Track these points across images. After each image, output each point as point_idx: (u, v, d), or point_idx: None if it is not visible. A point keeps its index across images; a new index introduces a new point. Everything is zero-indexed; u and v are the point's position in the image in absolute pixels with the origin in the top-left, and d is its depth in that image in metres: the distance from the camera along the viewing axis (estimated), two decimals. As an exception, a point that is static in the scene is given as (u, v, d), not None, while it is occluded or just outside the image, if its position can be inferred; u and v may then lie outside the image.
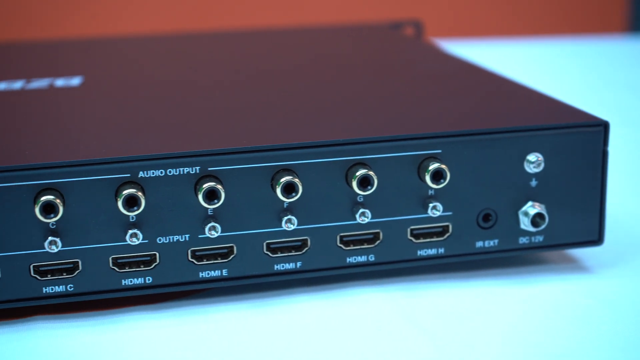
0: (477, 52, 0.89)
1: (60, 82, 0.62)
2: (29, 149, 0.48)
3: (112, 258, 0.48)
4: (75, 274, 0.48)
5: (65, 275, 0.48)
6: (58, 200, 0.46)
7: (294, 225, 0.49)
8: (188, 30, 0.86)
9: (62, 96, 0.59)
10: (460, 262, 0.53)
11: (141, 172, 0.47)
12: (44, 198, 0.46)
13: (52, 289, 0.48)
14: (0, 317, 0.49)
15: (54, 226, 0.47)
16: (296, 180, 0.48)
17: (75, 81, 0.62)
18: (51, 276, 0.48)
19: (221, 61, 0.70)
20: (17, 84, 0.62)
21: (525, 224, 0.51)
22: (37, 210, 0.46)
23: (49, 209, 0.46)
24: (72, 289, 0.48)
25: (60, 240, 0.47)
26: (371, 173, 0.49)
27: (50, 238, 0.47)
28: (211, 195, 0.47)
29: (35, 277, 0.47)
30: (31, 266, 0.47)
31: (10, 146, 0.49)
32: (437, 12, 1.22)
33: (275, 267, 0.50)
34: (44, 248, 0.47)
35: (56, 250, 0.47)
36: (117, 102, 0.58)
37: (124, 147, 0.48)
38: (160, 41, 0.79)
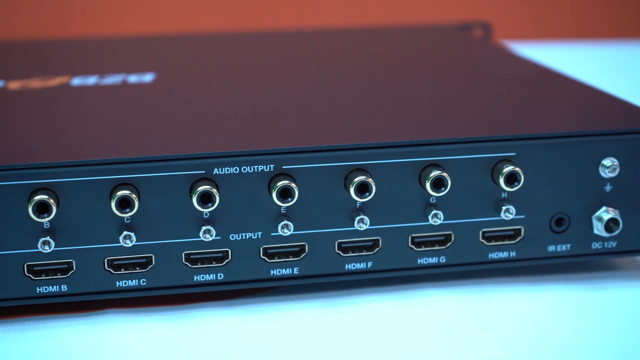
0: (547, 54, 0.88)
1: (133, 79, 0.63)
2: (106, 144, 0.49)
3: (185, 254, 0.48)
4: (148, 268, 0.48)
5: (138, 270, 0.48)
6: (134, 195, 0.46)
7: (366, 225, 0.49)
8: (256, 29, 0.86)
9: (135, 92, 0.60)
10: (531, 266, 0.52)
11: (216, 169, 0.47)
12: (119, 193, 0.46)
13: (125, 283, 0.48)
14: (76, 309, 0.49)
15: (129, 221, 0.47)
16: (370, 180, 0.48)
17: (148, 77, 0.63)
18: (124, 270, 0.48)
19: (291, 60, 0.70)
20: (91, 80, 0.63)
21: (598, 229, 0.51)
22: (112, 204, 0.46)
23: (124, 203, 0.47)
24: (145, 283, 0.48)
25: (135, 235, 0.47)
26: (445, 174, 0.48)
27: (125, 232, 0.47)
28: (285, 194, 0.48)
29: (109, 270, 0.48)
30: (107, 259, 0.48)
31: (88, 141, 0.50)
32: (504, 14, 1.21)
33: (346, 266, 0.50)
34: (119, 242, 0.47)
35: (130, 245, 0.47)
36: (189, 98, 0.59)
37: (200, 144, 0.48)
38: (229, 39, 0.79)
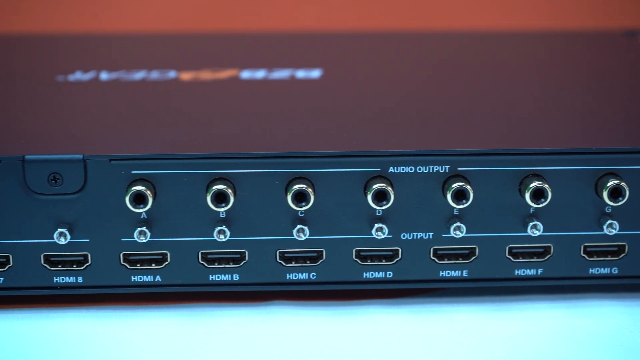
0: None
1: (300, 74, 0.63)
2: (282, 138, 0.49)
3: (356, 250, 0.49)
4: (318, 262, 0.49)
5: (309, 263, 0.49)
6: (309, 190, 0.47)
7: (539, 231, 0.48)
8: (409, 29, 0.86)
9: (304, 88, 0.60)
10: None
11: (391, 168, 0.47)
12: (296, 187, 0.47)
13: (295, 276, 0.49)
14: (245, 298, 0.50)
15: (303, 214, 0.48)
16: (545, 185, 0.47)
17: (315, 73, 0.63)
18: (295, 263, 0.49)
19: (447, 61, 0.69)
20: (260, 73, 0.63)
21: None
22: (289, 198, 0.47)
23: (299, 197, 0.47)
24: (315, 277, 0.49)
25: (309, 228, 0.48)
26: (623, 184, 0.47)
27: (299, 226, 0.47)
28: (460, 196, 0.47)
29: (280, 262, 0.49)
30: (277, 251, 0.49)
31: (264, 134, 0.50)
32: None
33: (516, 272, 0.49)
34: (293, 235, 0.48)
35: (304, 238, 0.48)
36: (359, 96, 0.59)
37: (375, 142, 0.49)
38: (394, 37, 0.79)
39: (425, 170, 0.48)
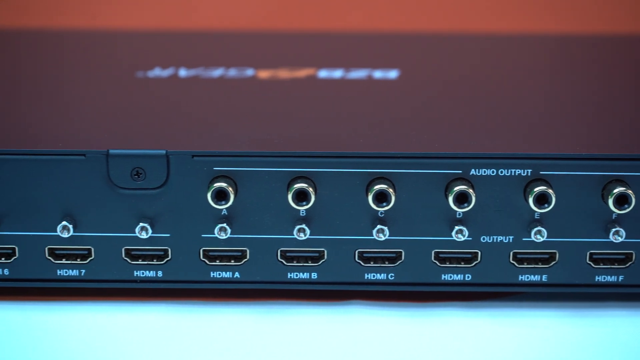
0: None
1: (378, 74, 0.63)
2: (362, 138, 0.49)
3: (435, 252, 0.49)
4: (397, 263, 0.49)
5: (387, 264, 0.49)
6: (391, 190, 0.47)
7: (621, 237, 0.48)
8: (489, 31, 0.85)
9: (381, 88, 0.60)
10: None
11: (473, 170, 0.47)
12: (377, 187, 0.47)
13: (373, 276, 0.49)
14: (322, 297, 0.50)
15: (382, 215, 0.48)
16: (629, 191, 0.47)
17: (392, 74, 0.63)
18: (374, 263, 0.49)
19: (525, 63, 0.69)
20: (337, 73, 0.63)
21: None
22: (370, 198, 0.47)
23: (381, 197, 0.47)
24: (392, 278, 0.49)
25: (388, 229, 0.48)
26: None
27: (378, 226, 0.47)
28: (541, 199, 0.47)
29: (358, 262, 0.49)
30: (356, 251, 0.49)
31: (343, 133, 0.50)
32: None
33: (597, 278, 0.49)
34: (373, 235, 0.48)
35: (383, 238, 0.48)
36: (437, 97, 0.59)
37: (457, 144, 0.48)
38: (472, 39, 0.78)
39: (507, 173, 0.47)
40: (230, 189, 0.47)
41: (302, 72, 0.63)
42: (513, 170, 0.47)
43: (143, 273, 0.49)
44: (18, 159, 0.47)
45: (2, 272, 0.49)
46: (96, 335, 0.47)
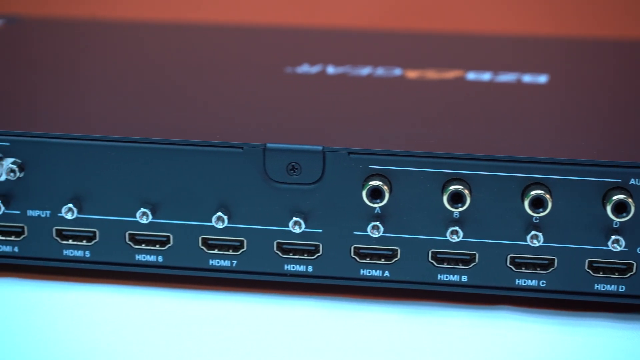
0: None
1: (527, 78, 0.63)
2: (517, 142, 0.49)
3: (589, 261, 0.48)
4: (549, 271, 0.48)
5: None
6: (547, 196, 0.46)
7: None
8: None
9: (530, 92, 0.60)
10: None
11: (632, 180, 0.46)
12: (533, 192, 0.46)
13: (525, 282, 0.48)
14: (471, 300, 0.50)
15: (537, 221, 0.47)
16: None
17: (542, 79, 0.63)
18: (525, 269, 0.48)
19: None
20: (485, 76, 0.63)
21: None
22: (526, 204, 0.46)
23: (537, 203, 0.47)
24: (544, 285, 0.48)
25: (543, 235, 0.47)
26: None
27: (533, 232, 0.47)
28: None
29: (509, 267, 0.48)
30: (508, 256, 0.48)
31: (493, 136, 0.50)
32: None
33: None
34: (527, 241, 0.47)
35: (537, 244, 0.47)
36: (588, 102, 0.58)
37: (615, 152, 0.48)
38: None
39: (669, 183, 0.46)
40: (385, 187, 0.47)
41: (450, 74, 0.63)
42: (675, 180, 0.46)
43: (294, 267, 0.49)
44: (177, 149, 0.48)
45: (157, 259, 0.50)
46: (250, 329, 0.48)
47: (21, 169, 0.49)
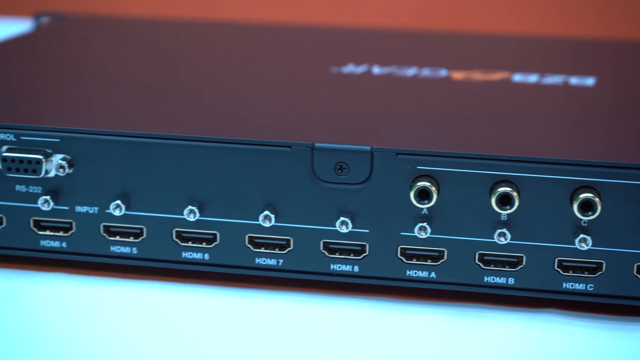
0: None
1: (574, 80, 0.62)
2: (566, 145, 0.49)
3: (637, 265, 0.47)
4: (597, 274, 0.48)
5: (587, 274, 0.48)
6: (597, 199, 0.46)
7: None
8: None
9: (577, 94, 0.59)
10: None
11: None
12: (582, 196, 0.46)
13: (572, 286, 0.48)
14: (518, 303, 0.49)
15: (586, 224, 0.47)
16: None
17: (589, 81, 0.62)
18: (573, 272, 0.48)
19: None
20: (532, 77, 0.63)
21: None
22: (575, 207, 0.46)
23: (585, 206, 0.46)
24: (592, 289, 0.48)
25: (592, 239, 0.47)
26: None
27: (581, 235, 0.47)
28: None
29: (557, 270, 0.48)
30: (556, 259, 0.48)
31: (541, 139, 0.50)
32: None
33: None
34: (575, 244, 0.47)
35: (586, 248, 0.47)
36: (635, 105, 0.57)
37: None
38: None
39: None
40: (433, 188, 0.47)
41: (497, 75, 0.63)
42: None
43: (340, 267, 0.49)
44: (226, 147, 0.48)
45: (203, 256, 0.50)
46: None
47: (70, 165, 0.49)
